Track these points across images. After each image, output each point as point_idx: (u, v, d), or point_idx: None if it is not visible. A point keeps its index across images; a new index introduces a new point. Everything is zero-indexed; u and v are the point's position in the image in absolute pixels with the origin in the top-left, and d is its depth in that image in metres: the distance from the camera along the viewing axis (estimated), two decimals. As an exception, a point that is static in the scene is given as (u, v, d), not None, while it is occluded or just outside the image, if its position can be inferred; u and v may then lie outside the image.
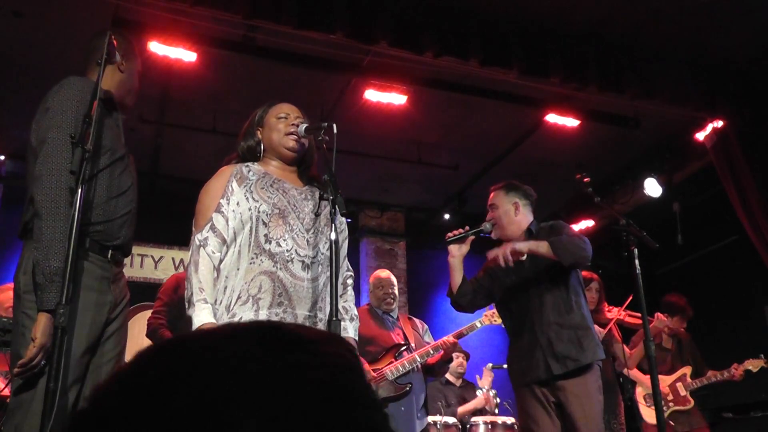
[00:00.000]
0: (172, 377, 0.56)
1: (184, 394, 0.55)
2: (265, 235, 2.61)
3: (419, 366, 4.66)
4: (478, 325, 4.96)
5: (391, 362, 4.50)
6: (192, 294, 2.53)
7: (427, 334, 5.07)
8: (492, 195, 3.91)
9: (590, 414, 3.44)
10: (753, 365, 5.75)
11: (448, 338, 4.75)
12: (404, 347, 4.64)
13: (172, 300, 4.78)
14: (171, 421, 0.53)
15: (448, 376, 6.31)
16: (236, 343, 0.58)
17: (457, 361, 6.39)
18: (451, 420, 5.41)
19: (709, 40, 5.85)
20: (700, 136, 6.54)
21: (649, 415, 5.86)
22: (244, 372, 0.55)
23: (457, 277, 3.77)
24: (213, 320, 2.50)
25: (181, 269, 7.62)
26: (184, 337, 0.63)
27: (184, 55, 5.36)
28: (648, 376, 5.80)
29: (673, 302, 5.94)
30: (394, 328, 4.83)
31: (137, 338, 7.14)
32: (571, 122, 6.43)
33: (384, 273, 5.17)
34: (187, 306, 2.55)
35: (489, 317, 5.00)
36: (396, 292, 5.02)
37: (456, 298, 3.80)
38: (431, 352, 4.68)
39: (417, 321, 5.23)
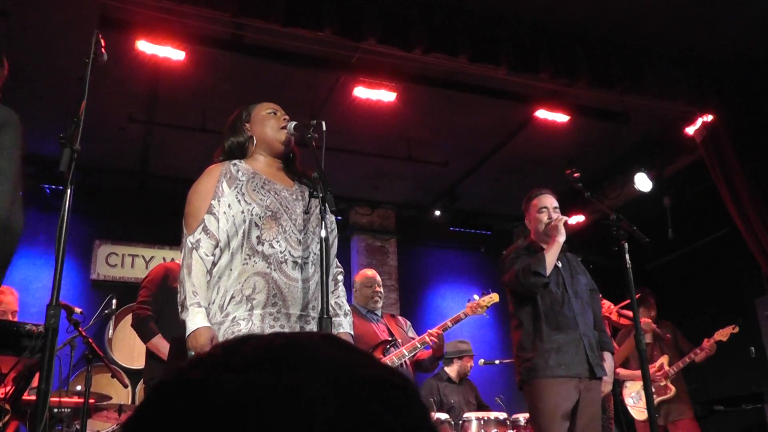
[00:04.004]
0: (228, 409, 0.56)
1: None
2: (258, 237, 2.61)
3: (408, 362, 4.66)
4: (463, 316, 4.98)
5: (380, 359, 4.49)
6: (185, 298, 2.53)
7: (411, 330, 5.08)
8: (554, 198, 4.14)
9: (598, 416, 3.81)
10: (722, 335, 5.83)
11: (434, 331, 4.75)
12: (391, 343, 4.64)
13: (159, 291, 4.61)
14: None
15: (451, 373, 6.29)
16: (306, 378, 0.58)
17: (470, 363, 6.37)
18: (443, 417, 5.41)
19: (698, 35, 5.87)
20: (690, 130, 6.56)
21: (636, 413, 5.93)
22: (310, 417, 0.55)
23: (555, 257, 3.90)
24: (207, 324, 2.50)
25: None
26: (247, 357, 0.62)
27: (173, 53, 5.33)
28: (632, 372, 5.88)
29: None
30: (379, 325, 4.83)
31: (128, 339, 7.15)
32: (560, 118, 6.43)
33: (371, 272, 5.18)
34: (180, 310, 2.55)
35: (472, 308, 5.00)
36: (381, 290, 5.04)
37: (548, 280, 3.85)
38: (418, 346, 4.68)
39: (400, 318, 5.24)
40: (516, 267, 3.94)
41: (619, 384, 6.01)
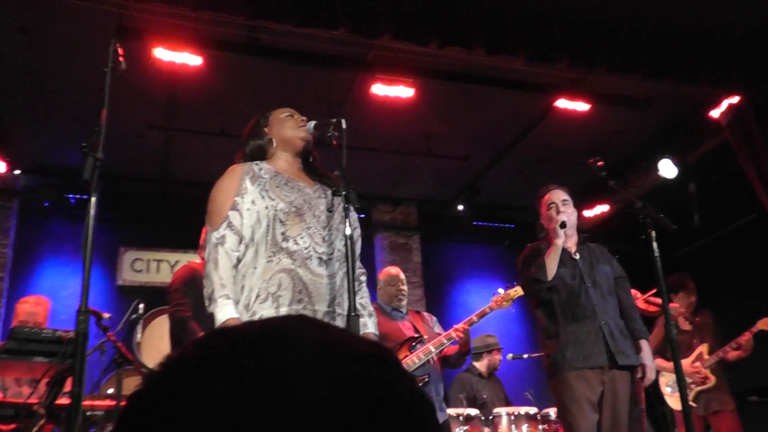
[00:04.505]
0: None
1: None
2: (283, 234, 2.62)
3: (435, 358, 4.64)
4: (488, 310, 4.94)
5: (407, 355, 4.48)
6: (213, 290, 2.54)
7: (437, 326, 5.05)
8: (564, 192, 4.11)
9: (624, 408, 3.73)
10: (765, 324, 5.67)
11: (459, 326, 4.72)
12: (417, 340, 4.62)
13: (191, 291, 4.47)
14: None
15: (481, 368, 6.26)
16: (289, 363, 0.57)
17: (498, 357, 6.34)
18: (474, 412, 5.38)
19: (720, 12, 5.74)
20: (715, 113, 6.46)
21: (674, 402, 5.80)
22: (303, 401, 0.54)
23: (556, 262, 3.87)
24: (236, 315, 2.51)
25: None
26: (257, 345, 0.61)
27: (190, 59, 5.37)
28: (670, 363, 5.74)
29: (673, 280, 5.90)
30: (404, 322, 4.81)
31: (156, 342, 7.21)
32: (581, 107, 6.38)
33: (394, 270, 5.16)
34: (207, 303, 2.56)
35: (497, 302, 4.97)
36: (405, 287, 5.01)
37: (551, 284, 3.85)
38: (445, 342, 4.66)
39: (425, 314, 5.21)
40: (524, 273, 3.99)
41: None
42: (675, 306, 5.77)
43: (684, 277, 5.95)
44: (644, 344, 3.91)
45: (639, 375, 3.83)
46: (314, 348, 0.59)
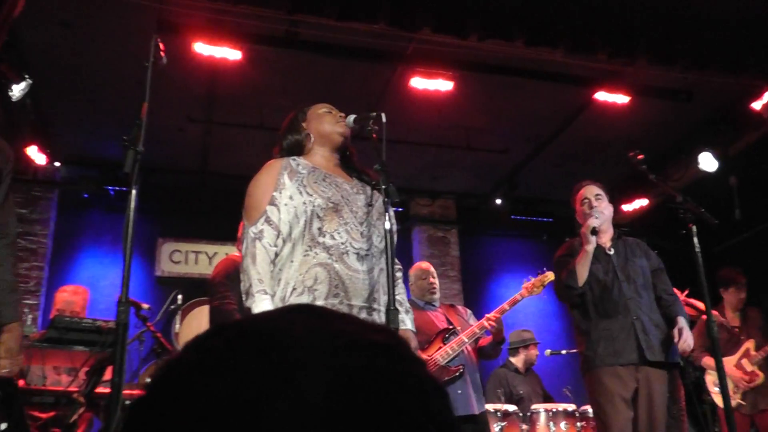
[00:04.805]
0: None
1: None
2: (319, 229, 2.62)
3: (469, 348, 4.63)
4: (519, 297, 4.91)
5: (440, 347, 4.49)
6: (251, 285, 2.55)
7: (472, 318, 5.03)
8: (597, 187, 4.08)
9: (661, 406, 3.65)
10: None
11: (491, 315, 4.70)
12: (451, 331, 4.62)
13: (234, 283, 4.63)
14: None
15: (517, 363, 6.22)
16: (289, 363, 0.56)
17: (534, 351, 6.29)
18: (512, 408, 5.36)
19: (762, 3, 5.60)
20: (757, 105, 6.33)
21: (720, 401, 5.67)
22: (304, 403, 0.53)
23: (587, 268, 3.83)
24: None
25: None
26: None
27: (229, 53, 5.42)
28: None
29: (724, 275, 5.79)
30: (437, 315, 4.81)
31: (195, 333, 7.20)
32: (621, 99, 6.29)
33: (425, 264, 5.15)
34: (245, 297, 2.57)
35: (528, 289, 4.93)
36: (437, 281, 5.00)
37: (582, 290, 3.81)
38: (477, 332, 4.65)
39: (459, 307, 5.20)
40: (557, 276, 3.97)
41: (692, 371, 5.79)
42: (715, 314, 5.63)
43: (735, 272, 5.81)
44: (681, 320, 3.79)
45: (675, 339, 3.70)
46: (317, 342, 0.57)
